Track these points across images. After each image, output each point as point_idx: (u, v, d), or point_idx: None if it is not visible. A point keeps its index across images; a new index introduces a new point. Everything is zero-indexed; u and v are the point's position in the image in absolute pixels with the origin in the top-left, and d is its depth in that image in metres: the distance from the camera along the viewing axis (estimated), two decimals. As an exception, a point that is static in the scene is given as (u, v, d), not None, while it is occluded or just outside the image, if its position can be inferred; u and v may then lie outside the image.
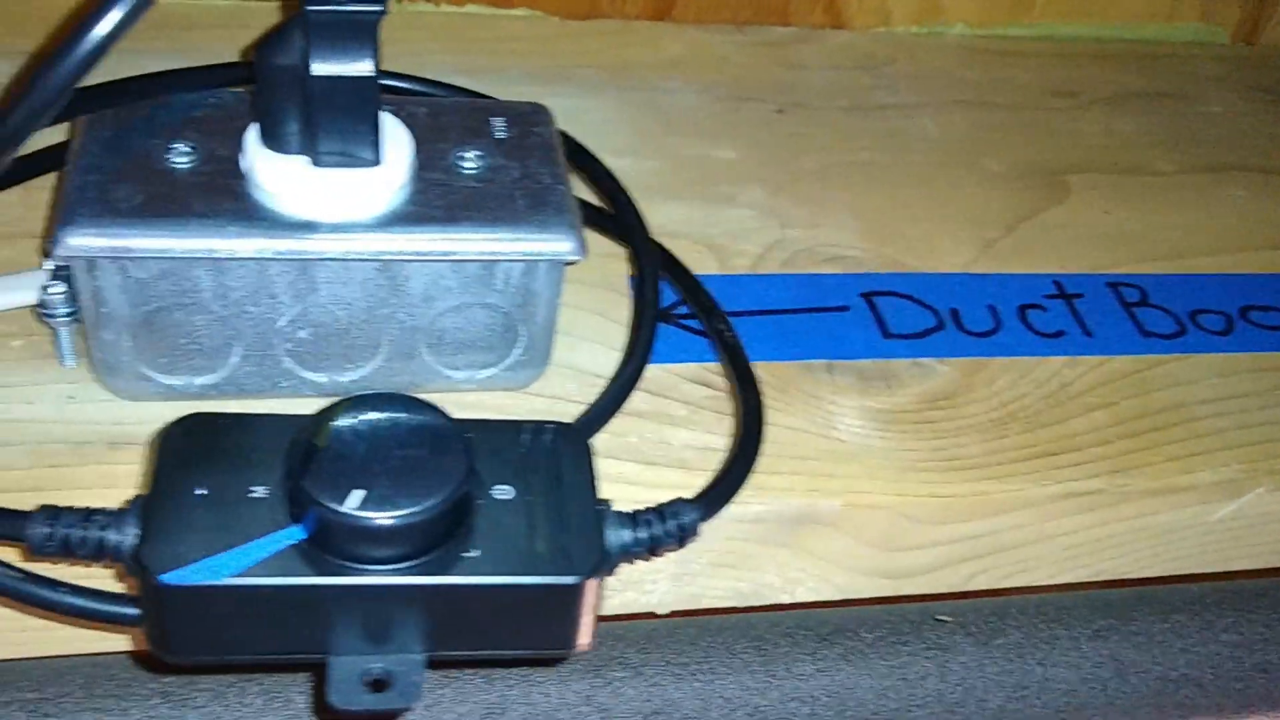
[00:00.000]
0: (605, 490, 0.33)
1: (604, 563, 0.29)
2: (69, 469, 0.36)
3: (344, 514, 0.27)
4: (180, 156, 0.36)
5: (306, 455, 0.28)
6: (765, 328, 0.45)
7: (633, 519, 0.32)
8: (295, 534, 0.28)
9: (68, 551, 0.29)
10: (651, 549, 0.31)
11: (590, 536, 0.30)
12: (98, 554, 0.29)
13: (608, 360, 0.42)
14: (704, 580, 0.40)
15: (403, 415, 0.30)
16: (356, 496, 0.28)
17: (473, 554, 0.29)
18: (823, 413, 0.42)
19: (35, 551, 0.29)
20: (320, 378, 0.38)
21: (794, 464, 0.40)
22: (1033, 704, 0.47)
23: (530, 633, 0.30)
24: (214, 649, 0.29)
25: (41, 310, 0.37)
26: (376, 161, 0.35)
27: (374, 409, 0.30)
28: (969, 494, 0.40)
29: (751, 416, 0.38)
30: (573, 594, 0.29)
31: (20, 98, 0.27)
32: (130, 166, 0.35)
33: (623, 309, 0.44)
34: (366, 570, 0.28)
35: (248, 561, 0.27)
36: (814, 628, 0.46)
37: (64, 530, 0.29)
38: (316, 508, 0.28)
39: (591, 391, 0.40)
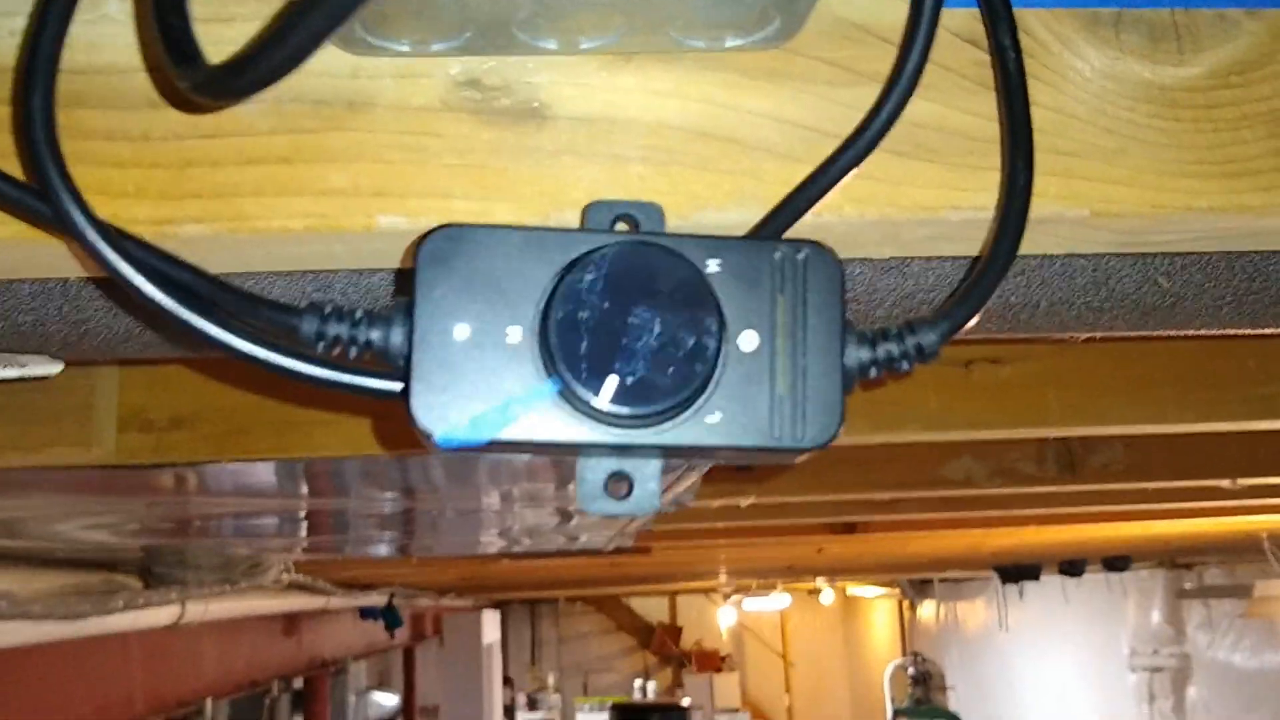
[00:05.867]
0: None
1: (839, 428, 0.30)
2: (312, 136, 0.36)
3: (599, 407, 0.29)
4: None
5: (562, 323, 0.29)
6: (1054, -50, 0.38)
7: (871, 341, 0.32)
8: (551, 388, 0.30)
9: (334, 348, 0.31)
10: (888, 368, 0.32)
11: (831, 396, 0.30)
12: (363, 352, 0.31)
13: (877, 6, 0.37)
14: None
15: (655, 270, 0.29)
16: (610, 386, 0.28)
17: (714, 418, 0.30)
18: (1095, 90, 0.38)
19: (303, 343, 0.31)
20: (553, 44, 0.36)
21: (1048, 160, 0.37)
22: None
23: (762, 460, 0.32)
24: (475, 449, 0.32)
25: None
26: None
27: (625, 264, 0.29)
28: (1230, 207, 0.38)
29: (1013, 215, 0.34)
30: (807, 451, 0.31)
31: None
32: None
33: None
34: (615, 426, 0.30)
35: (510, 418, 0.29)
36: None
37: (334, 330, 0.31)
38: (572, 386, 0.29)
39: (860, 54, 0.37)
